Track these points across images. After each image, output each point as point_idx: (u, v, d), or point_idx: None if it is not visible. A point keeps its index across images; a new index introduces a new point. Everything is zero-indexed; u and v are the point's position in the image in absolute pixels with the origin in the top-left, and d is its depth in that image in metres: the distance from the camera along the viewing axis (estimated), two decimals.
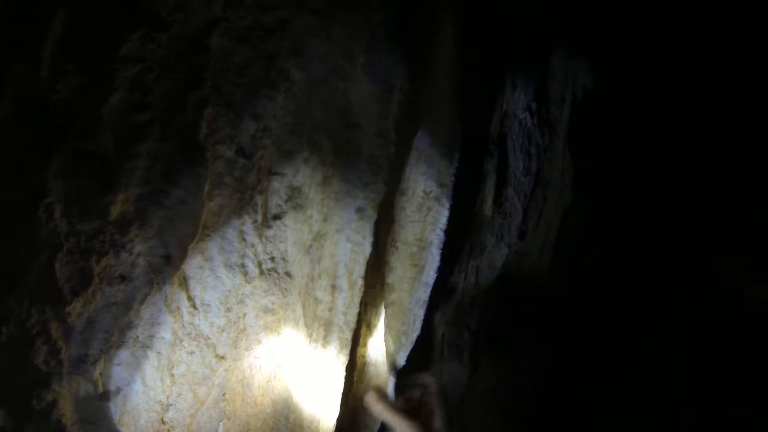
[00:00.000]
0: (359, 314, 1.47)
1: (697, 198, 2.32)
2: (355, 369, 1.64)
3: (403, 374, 1.58)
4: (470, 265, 1.84)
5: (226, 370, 1.51)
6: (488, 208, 1.77)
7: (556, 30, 1.99)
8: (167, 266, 1.30)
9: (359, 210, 1.34)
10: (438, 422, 1.35)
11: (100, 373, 1.37)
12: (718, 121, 2.34)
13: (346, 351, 1.50)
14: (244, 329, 1.48)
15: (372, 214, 1.35)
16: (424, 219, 1.46)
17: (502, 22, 1.67)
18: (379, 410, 1.35)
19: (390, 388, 1.63)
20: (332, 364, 1.51)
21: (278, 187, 1.36)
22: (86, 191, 1.18)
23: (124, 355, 1.36)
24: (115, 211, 1.21)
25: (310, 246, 1.39)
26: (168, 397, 1.48)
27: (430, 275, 1.52)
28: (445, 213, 1.47)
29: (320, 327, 1.47)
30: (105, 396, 1.42)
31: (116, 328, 1.32)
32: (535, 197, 2.00)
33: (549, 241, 2.05)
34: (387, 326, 1.59)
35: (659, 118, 2.32)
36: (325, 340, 1.48)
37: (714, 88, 2.32)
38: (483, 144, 1.68)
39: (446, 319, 1.83)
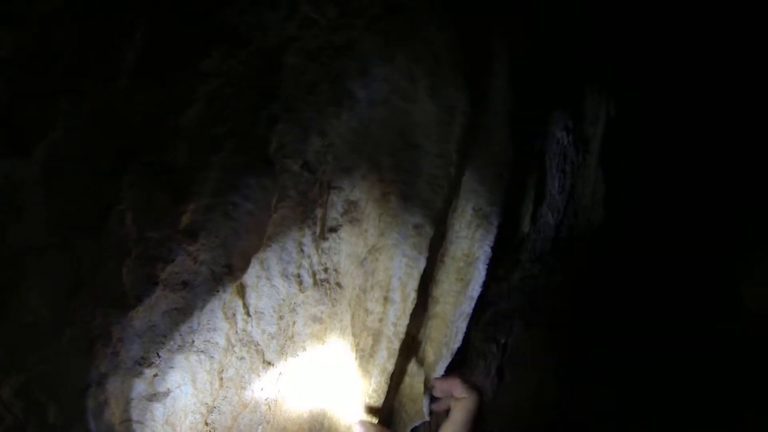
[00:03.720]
0: (408, 326, 1.52)
1: (719, 214, 2.39)
2: (394, 378, 1.69)
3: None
4: (505, 280, 1.89)
5: (270, 376, 1.55)
6: (526, 224, 1.82)
7: (592, 50, 2.04)
8: (229, 275, 1.34)
9: (417, 226, 1.38)
10: None
11: (155, 375, 1.41)
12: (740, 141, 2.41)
13: (393, 360, 1.54)
14: (292, 336, 1.52)
15: (429, 231, 1.39)
16: (473, 235, 1.50)
17: (551, 47, 1.72)
18: None
19: (425, 405, 1.68)
20: (377, 372, 1.55)
21: (336, 200, 1.40)
22: (159, 200, 1.22)
23: (179, 358, 1.40)
24: (184, 221, 1.25)
25: (365, 259, 1.43)
26: (214, 400, 1.52)
27: (476, 289, 1.56)
28: (494, 230, 1.52)
29: (369, 336, 1.51)
30: (155, 397, 1.46)
31: (176, 333, 1.36)
32: (568, 213, 2.06)
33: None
34: (428, 338, 1.64)
35: (686, 137, 2.39)
36: (373, 350, 1.52)
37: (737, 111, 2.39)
38: (527, 163, 1.73)
39: (479, 332, 1.87)
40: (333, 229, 1.41)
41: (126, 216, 1.21)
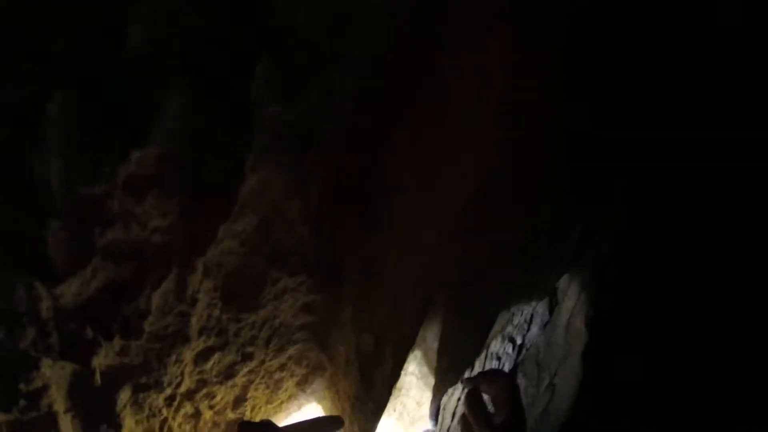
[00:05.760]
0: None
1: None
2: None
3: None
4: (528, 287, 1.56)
5: (251, 371, 1.26)
6: None
7: None
8: (190, 248, 1.02)
9: None
10: None
11: (102, 364, 1.14)
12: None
13: (401, 367, 1.24)
14: (279, 328, 1.22)
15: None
16: None
17: None
18: None
19: (431, 409, 1.40)
20: (381, 375, 1.25)
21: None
22: (92, 144, 0.89)
23: (134, 346, 1.11)
24: (125, 172, 0.92)
25: (374, 257, 1.10)
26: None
27: None
28: None
29: (370, 336, 1.21)
30: (105, 387, 1.19)
31: (120, 315, 1.07)
32: None
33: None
34: (441, 343, 1.32)
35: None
36: (378, 351, 1.21)
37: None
38: None
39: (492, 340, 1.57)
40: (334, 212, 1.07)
41: (51, 164, 0.88)
